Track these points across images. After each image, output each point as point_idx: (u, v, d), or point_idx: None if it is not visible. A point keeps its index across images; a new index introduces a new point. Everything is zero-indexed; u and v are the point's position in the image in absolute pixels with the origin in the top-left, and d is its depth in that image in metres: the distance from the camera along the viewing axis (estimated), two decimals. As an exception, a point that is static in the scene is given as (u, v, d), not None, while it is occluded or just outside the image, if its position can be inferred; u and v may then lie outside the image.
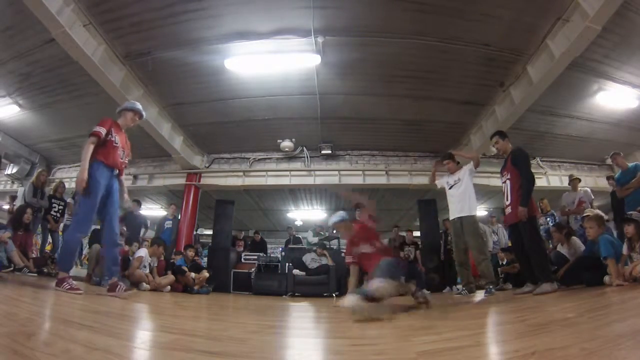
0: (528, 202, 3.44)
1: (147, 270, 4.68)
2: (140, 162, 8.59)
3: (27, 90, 6.08)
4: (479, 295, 4.04)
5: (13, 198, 7.69)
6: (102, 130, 2.94)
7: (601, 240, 3.42)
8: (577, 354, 0.87)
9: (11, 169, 8.45)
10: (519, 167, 3.61)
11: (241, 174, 8.09)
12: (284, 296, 5.96)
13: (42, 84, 5.87)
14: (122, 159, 3.10)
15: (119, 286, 2.89)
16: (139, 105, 3.41)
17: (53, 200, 6.23)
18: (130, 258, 4.77)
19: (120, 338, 1.23)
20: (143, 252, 4.73)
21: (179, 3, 4.26)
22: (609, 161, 5.99)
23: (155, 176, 8.44)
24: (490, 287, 3.91)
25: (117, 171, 3.08)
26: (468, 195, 4.31)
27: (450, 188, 4.52)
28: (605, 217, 5.32)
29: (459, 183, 4.39)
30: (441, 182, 4.71)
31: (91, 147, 2.88)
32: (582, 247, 4.20)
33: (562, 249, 4.43)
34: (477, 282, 4.63)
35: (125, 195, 3.25)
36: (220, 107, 6.41)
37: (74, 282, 2.82)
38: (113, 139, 2.99)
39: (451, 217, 4.45)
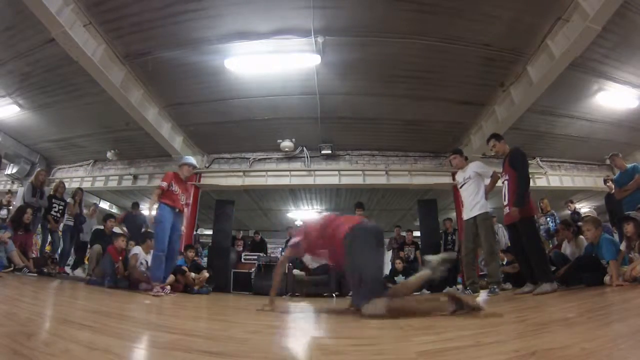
0: (522, 203, 3.44)
1: (144, 268, 4.66)
2: (140, 162, 8.60)
3: (27, 90, 6.08)
4: (482, 294, 4.05)
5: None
6: (164, 184, 4.13)
7: (603, 242, 3.43)
8: (577, 354, 0.87)
9: (11, 169, 8.45)
10: (515, 167, 3.60)
11: (241, 174, 8.09)
12: (284, 296, 5.96)
13: (42, 84, 5.87)
14: (182, 202, 4.29)
15: (154, 288, 3.84)
16: (192, 160, 4.58)
17: (53, 200, 6.22)
18: (129, 257, 4.77)
19: (120, 338, 1.23)
20: (137, 250, 4.72)
21: (179, 3, 4.26)
22: (608, 161, 6.00)
23: (155, 176, 8.43)
24: (495, 287, 3.91)
25: (178, 209, 4.23)
26: (480, 193, 4.22)
27: (461, 187, 4.46)
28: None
29: (469, 182, 4.30)
30: (457, 178, 4.65)
31: (156, 196, 4.12)
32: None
33: (567, 247, 4.42)
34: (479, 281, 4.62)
35: (182, 227, 4.40)
36: (220, 107, 6.41)
37: (159, 288, 3.86)
38: (173, 188, 4.19)
39: (465, 217, 4.35)
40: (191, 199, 4.56)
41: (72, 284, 4.74)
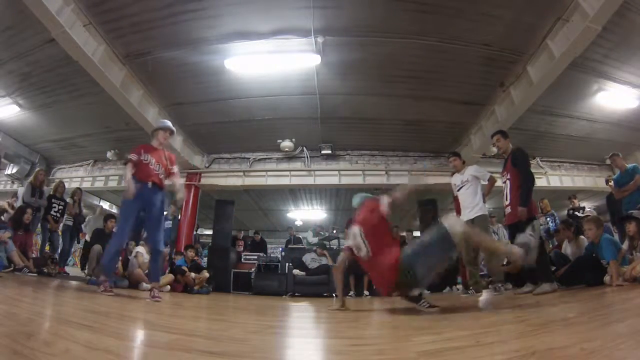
0: (528, 202, 3.44)
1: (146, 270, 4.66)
2: (141, 162, 8.60)
3: (27, 90, 6.08)
4: (485, 294, 4.06)
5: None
6: (133, 156, 3.43)
7: (604, 242, 3.43)
8: (577, 354, 0.87)
9: (11, 169, 8.45)
10: (518, 167, 3.61)
11: (241, 174, 8.09)
12: (284, 296, 5.96)
13: (42, 84, 5.87)
14: (157, 171, 3.49)
15: (152, 291, 3.24)
16: (167, 123, 3.77)
17: (53, 200, 6.22)
18: (129, 257, 4.77)
19: (120, 338, 1.23)
20: (140, 249, 4.74)
21: (179, 3, 4.25)
22: (608, 161, 6.00)
23: (155, 176, 8.44)
24: (500, 285, 3.92)
25: (151, 184, 3.40)
26: (478, 196, 4.27)
27: (458, 190, 4.49)
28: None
29: (467, 185, 4.36)
30: (453, 180, 4.68)
31: (128, 170, 3.37)
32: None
33: (568, 247, 4.42)
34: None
35: (180, 194, 3.68)
36: (220, 107, 6.41)
37: (108, 284, 3.18)
38: (144, 158, 3.45)
39: (463, 219, 4.38)
40: (170, 167, 3.63)
41: (71, 284, 4.74)
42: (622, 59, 5.06)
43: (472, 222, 4.20)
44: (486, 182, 4.37)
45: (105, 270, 3.25)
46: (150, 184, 3.38)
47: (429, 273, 2.14)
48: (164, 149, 3.68)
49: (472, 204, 4.27)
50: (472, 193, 4.31)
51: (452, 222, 2.08)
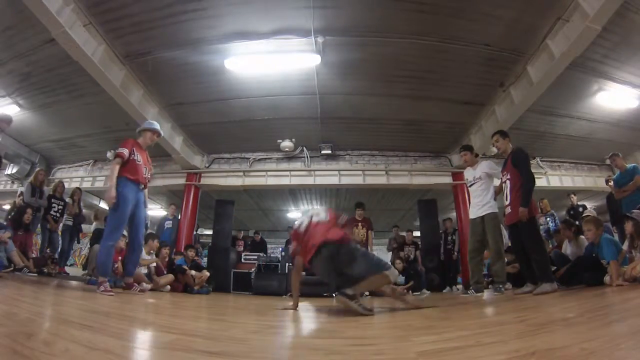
0: (529, 202, 3.44)
1: (145, 271, 4.66)
2: (140, 162, 8.60)
3: (27, 90, 6.08)
4: (486, 293, 4.06)
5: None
6: (125, 151, 3.32)
7: (604, 242, 3.42)
8: (577, 354, 0.87)
9: (11, 169, 8.45)
10: (519, 167, 3.61)
11: (241, 174, 8.09)
12: (284, 296, 5.96)
13: (42, 84, 5.87)
14: (145, 174, 3.48)
15: (134, 286, 3.44)
16: (156, 125, 3.75)
17: (52, 200, 6.23)
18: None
19: (120, 338, 1.23)
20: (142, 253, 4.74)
21: (179, 3, 4.26)
22: (608, 161, 6.00)
23: (155, 176, 8.44)
24: (500, 286, 3.92)
25: (142, 186, 3.46)
26: (489, 194, 4.19)
27: (470, 186, 4.42)
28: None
29: (479, 182, 4.28)
30: (465, 175, 4.59)
31: (117, 167, 3.27)
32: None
33: (568, 247, 4.41)
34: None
35: (146, 210, 3.65)
36: (220, 107, 6.41)
37: (107, 285, 3.13)
38: (135, 157, 3.39)
39: (472, 216, 4.31)
40: (152, 171, 3.81)
41: (71, 284, 4.74)
42: (622, 59, 5.07)
43: (482, 219, 4.16)
44: (499, 180, 4.30)
45: (101, 270, 3.18)
46: (141, 185, 3.45)
47: (352, 273, 2.44)
48: (147, 150, 3.69)
49: (481, 202, 4.19)
50: (483, 191, 4.22)
51: (393, 272, 2.44)
